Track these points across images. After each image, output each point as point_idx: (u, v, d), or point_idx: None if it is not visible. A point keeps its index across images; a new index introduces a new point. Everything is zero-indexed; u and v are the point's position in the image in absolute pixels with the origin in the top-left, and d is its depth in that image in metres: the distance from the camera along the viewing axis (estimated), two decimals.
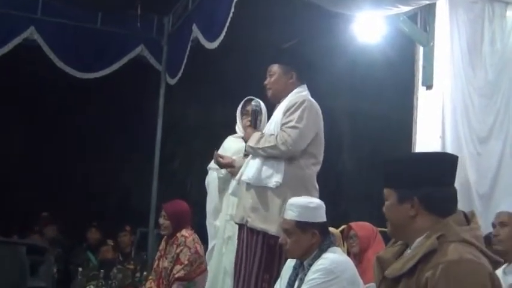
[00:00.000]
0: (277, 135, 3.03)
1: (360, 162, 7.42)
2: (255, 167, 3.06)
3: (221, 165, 3.67)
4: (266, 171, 3.04)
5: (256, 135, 3.13)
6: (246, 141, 3.19)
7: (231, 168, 3.61)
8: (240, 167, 3.39)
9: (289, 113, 3.05)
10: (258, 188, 3.04)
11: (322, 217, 2.67)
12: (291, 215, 2.64)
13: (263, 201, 3.02)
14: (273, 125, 3.15)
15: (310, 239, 2.61)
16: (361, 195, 7.34)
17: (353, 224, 3.88)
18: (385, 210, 1.80)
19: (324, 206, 2.70)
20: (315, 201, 2.70)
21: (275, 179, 3.00)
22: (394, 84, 6.13)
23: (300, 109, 3.04)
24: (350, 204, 7.56)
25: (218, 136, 4.12)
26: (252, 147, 3.11)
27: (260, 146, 3.05)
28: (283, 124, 3.05)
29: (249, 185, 3.09)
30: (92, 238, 6.50)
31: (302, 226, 2.61)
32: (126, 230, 6.37)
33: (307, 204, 2.64)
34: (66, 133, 8.27)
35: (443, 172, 1.75)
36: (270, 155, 3.04)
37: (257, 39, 6.94)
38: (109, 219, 7.49)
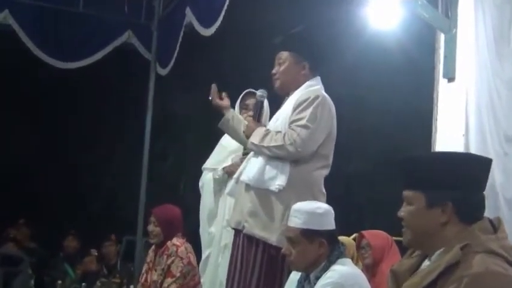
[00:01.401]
0: (285, 134, 2.98)
1: (373, 163, 7.42)
2: (257, 166, 3.03)
3: (217, 106, 3.34)
4: (269, 172, 3.00)
5: (260, 131, 3.08)
6: (247, 137, 3.13)
7: (223, 109, 3.31)
8: (235, 164, 3.36)
9: (300, 110, 3.00)
10: (259, 191, 3.01)
11: (330, 224, 2.65)
12: (295, 222, 2.62)
13: (264, 205, 3.00)
14: (280, 120, 3.09)
15: (317, 249, 2.59)
16: (374, 200, 7.34)
17: (365, 233, 3.87)
18: (406, 216, 1.76)
19: (332, 212, 2.69)
20: (323, 206, 2.68)
21: (278, 182, 2.97)
22: (412, 77, 6.12)
23: (313, 106, 2.99)
24: (361, 211, 7.56)
25: (215, 132, 4.11)
26: (255, 145, 3.06)
27: (265, 144, 3.01)
28: (292, 121, 3.00)
29: (248, 186, 3.05)
30: (70, 247, 6.48)
31: (308, 235, 2.59)
32: (111, 239, 6.36)
33: (314, 210, 2.63)
34: (44, 129, 8.27)
35: (479, 175, 1.73)
36: (275, 156, 3.00)
37: (259, 25, 6.93)
38: (91, 226, 7.48)
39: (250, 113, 3.39)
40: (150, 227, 4.11)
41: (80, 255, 6.37)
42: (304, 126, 2.97)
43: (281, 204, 2.96)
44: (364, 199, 7.69)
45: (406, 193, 1.77)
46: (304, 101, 3.02)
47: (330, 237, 2.63)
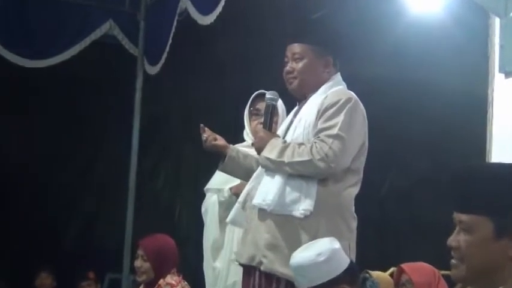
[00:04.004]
0: (311, 146, 2.93)
1: (414, 178, 7.40)
2: (276, 186, 2.98)
3: (212, 148, 3.31)
4: (291, 193, 2.96)
5: (276, 143, 3.02)
6: (259, 150, 3.08)
7: (222, 148, 3.30)
8: (245, 184, 3.32)
9: (329, 116, 2.96)
10: (279, 218, 2.97)
11: (344, 262, 2.69)
12: (303, 283, 2.68)
13: (286, 236, 2.96)
14: (301, 129, 3.06)
15: None
16: (417, 224, 7.31)
17: (405, 266, 3.87)
18: (464, 247, 1.70)
19: (336, 246, 2.70)
20: (323, 249, 2.68)
21: (303, 206, 2.93)
22: (461, 71, 6.11)
23: (345, 111, 2.96)
24: (400, 238, 7.53)
25: None
26: (271, 161, 2.99)
27: (285, 159, 2.95)
28: (320, 130, 2.96)
29: (263, 213, 3.00)
30: (45, 286, 6.49)
31: None
32: (89, 277, 6.37)
33: (316, 260, 2.65)
34: (11, 139, 8.29)
35: None
36: (299, 174, 2.96)
37: (268, 11, 6.96)
38: (65, 260, 7.49)
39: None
40: (138, 263, 4.11)
41: None
42: (336, 137, 2.92)
43: (307, 234, 2.93)
44: (404, 223, 7.66)
45: (464, 217, 1.70)
46: (333, 104, 2.98)
47: (351, 275, 2.69)
